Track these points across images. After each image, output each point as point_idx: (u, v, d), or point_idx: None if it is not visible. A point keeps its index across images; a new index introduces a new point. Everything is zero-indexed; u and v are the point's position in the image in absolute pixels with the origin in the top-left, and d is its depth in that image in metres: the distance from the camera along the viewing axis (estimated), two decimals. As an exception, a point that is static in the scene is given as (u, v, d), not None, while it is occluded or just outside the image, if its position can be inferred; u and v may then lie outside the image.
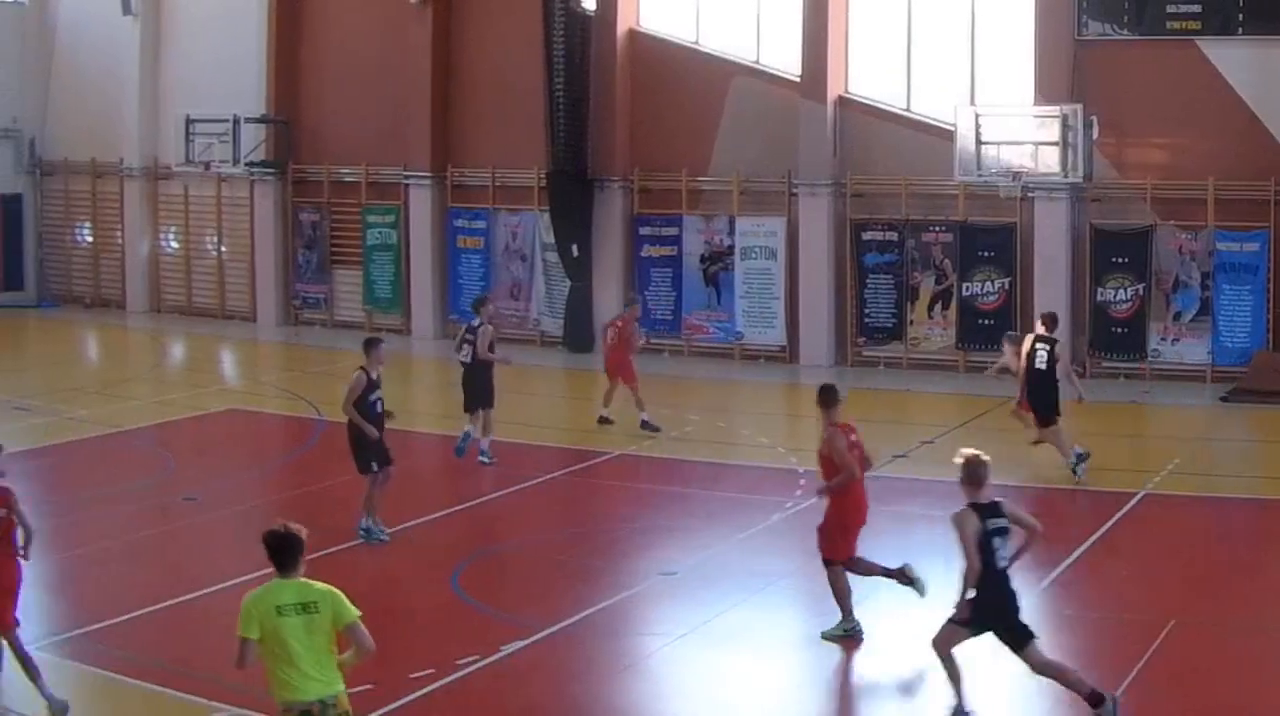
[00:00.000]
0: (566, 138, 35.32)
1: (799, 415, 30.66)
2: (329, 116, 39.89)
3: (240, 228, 41.70)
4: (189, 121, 39.78)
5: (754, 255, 34.19)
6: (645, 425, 26.67)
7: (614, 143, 35.59)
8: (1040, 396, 23.45)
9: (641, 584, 18.88)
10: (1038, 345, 23.45)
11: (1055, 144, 30.20)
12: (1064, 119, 30.06)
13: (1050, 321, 24.05)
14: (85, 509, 22.73)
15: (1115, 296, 31.01)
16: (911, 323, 32.95)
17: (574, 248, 35.54)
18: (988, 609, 13.58)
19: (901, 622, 16.84)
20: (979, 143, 30.84)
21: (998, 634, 13.64)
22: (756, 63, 34.53)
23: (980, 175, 31.11)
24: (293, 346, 38.50)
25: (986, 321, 31.94)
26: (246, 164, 39.47)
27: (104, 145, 43.49)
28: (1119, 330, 31.17)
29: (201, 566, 19.85)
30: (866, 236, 33.12)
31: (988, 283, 32.14)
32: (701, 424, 28.27)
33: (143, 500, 23.05)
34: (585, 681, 15.77)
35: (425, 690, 15.01)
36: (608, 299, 35.52)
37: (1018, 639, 13.52)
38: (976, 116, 31.04)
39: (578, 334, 35.71)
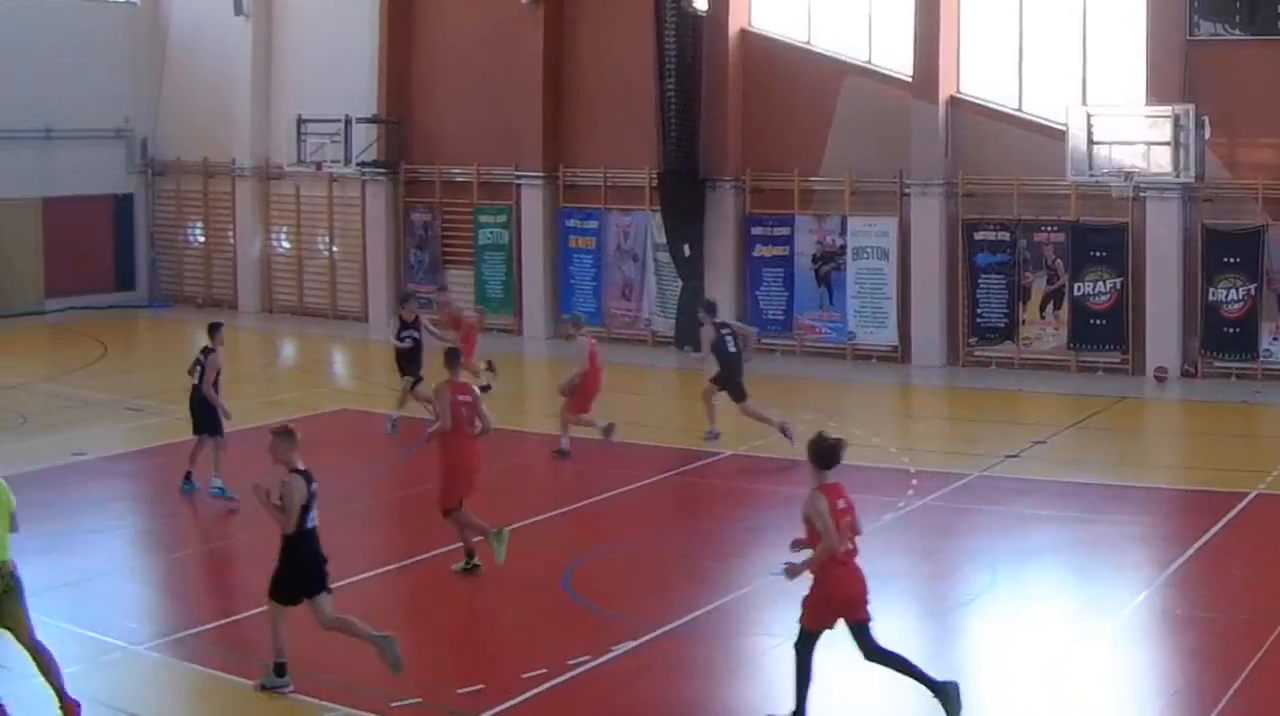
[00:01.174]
0: (678, 138, 36.35)
1: (911, 415, 31.93)
2: (441, 116, 41.36)
3: (352, 228, 43.28)
4: (300, 121, 41.22)
5: (866, 255, 35.15)
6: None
7: (726, 143, 36.64)
8: None
9: (752, 584, 19.24)
10: None
11: (1167, 144, 30.75)
12: (1175, 119, 30.64)
13: None
14: (200, 509, 23.72)
15: (1226, 296, 31.59)
16: (1023, 322, 33.68)
17: (686, 248, 36.63)
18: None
19: (1012, 622, 17.70)
20: (1090, 143, 31.48)
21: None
22: (868, 62, 35.47)
23: (1092, 175, 31.73)
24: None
25: (1098, 321, 32.81)
26: (358, 164, 40.90)
27: (216, 145, 45.28)
28: (1230, 330, 31.73)
29: None
30: (978, 236, 33.93)
31: (1099, 283, 32.80)
32: (813, 424, 28.02)
33: (253, 500, 23.88)
34: (695, 682, 16.11)
35: (536, 690, 15.43)
36: (720, 299, 35.45)
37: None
38: (1088, 116, 31.63)
39: (689, 334, 36.57)
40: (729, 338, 27.26)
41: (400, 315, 29.09)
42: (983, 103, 34.28)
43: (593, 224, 39.01)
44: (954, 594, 19.23)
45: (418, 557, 20.66)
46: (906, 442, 27.60)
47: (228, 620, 18.01)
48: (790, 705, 14.41)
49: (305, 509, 15.26)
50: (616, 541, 21.84)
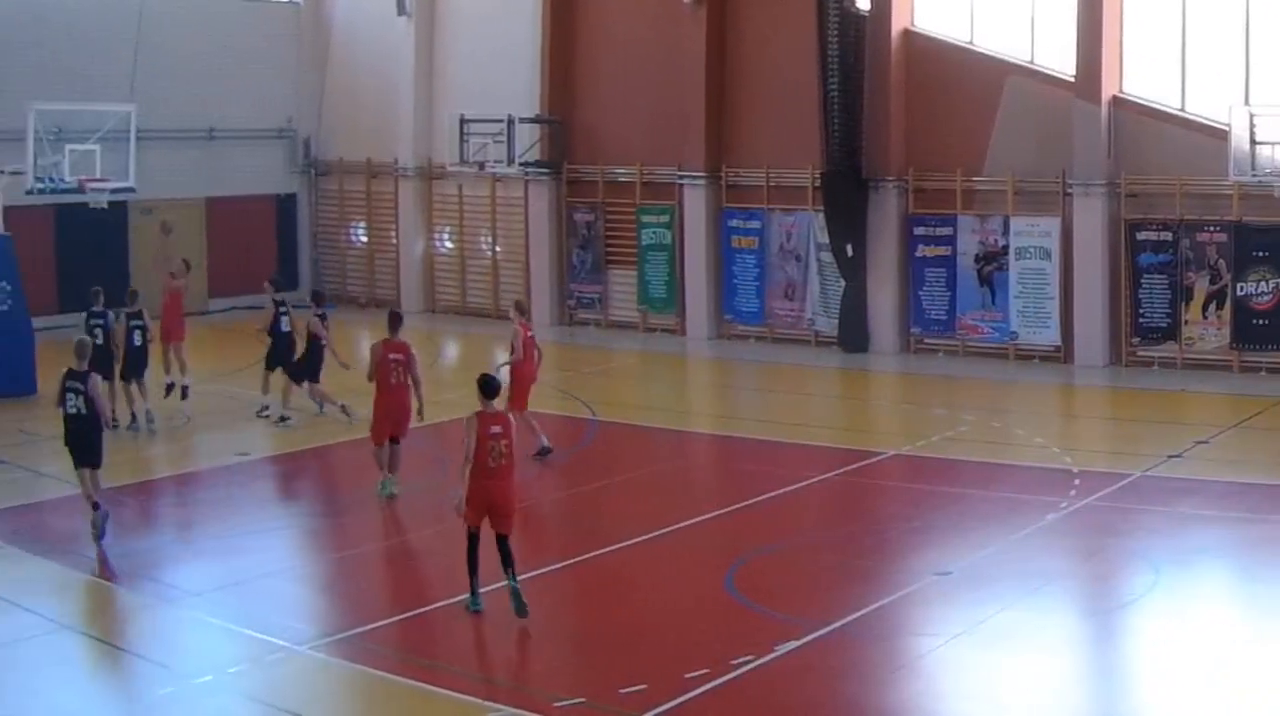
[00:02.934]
0: (841, 138, 38.03)
1: (1074, 415, 33.27)
2: (603, 116, 43.63)
3: (514, 228, 45.65)
4: (463, 121, 43.49)
5: (1028, 255, 36.62)
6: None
7: (888, 142, 38.32)
8: None
9: (915, 584, 20.08)
10: None
11: (1330, 144, 32.14)
12: (1339, 118, 32.00)
13: None
14: (359, 510, 25.01)
15: (1388, 294, 33.23)
16: (1186, 322, 34.93)
17: (848, 248, 38.35)
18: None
19: (1175, 622, 18.52)
20: (1253, 143, 32.70)
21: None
22: (1031, 62, 36.98)
23: (1255, 175, 32.94)
24: (567, 346, 40.99)
25: (1261, 322, 34.17)
26: (521, 164, 43.12)
27: (379, 145, 47.97)
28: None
29: None
30: (1141, 236, 35.25)
31: (1262, 283, 34.05)
32: (976, 424, 30.31)
33: (419, 500, 24.96)
34: (858, 682, 16.70)
35: (699, 690, 16.07)
36: (883, 299, 38.50)
37: None
38: (1251, 116, 32.81)
39: (852, 334, 38.61)
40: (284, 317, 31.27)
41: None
42: (1145, 103, 35.57)
43: (755, 224, 40.88)
44: (1117, 594, 20.06)
45: (581, 557, 21.75)
46: (1069, 443, 28.63)
47: (391, 620, 18.92)
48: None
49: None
50: (779, 541, 22.58)
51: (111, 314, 29.79)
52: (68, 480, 25.22)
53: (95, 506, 21.98)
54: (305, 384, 31.12)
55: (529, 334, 28.37)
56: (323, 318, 31.43)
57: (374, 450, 25.04)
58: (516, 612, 18.35)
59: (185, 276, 33.69)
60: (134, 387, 30.28)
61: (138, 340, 29.97)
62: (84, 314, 29.79)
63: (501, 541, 18.64)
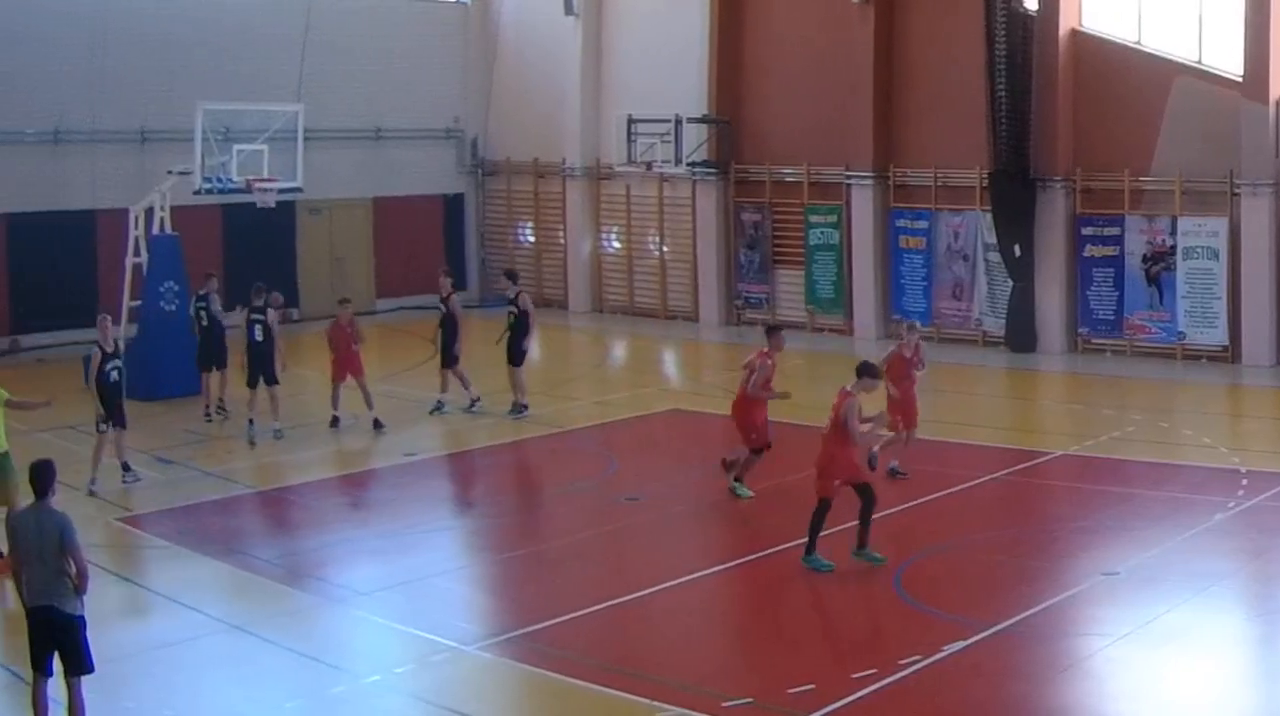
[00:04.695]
0: (1009, 138, 39.73)
1: (1242, 415, 34.42)
2: (770, 116, 45.76)
3: (682, 228, 47.94)
4: (631, 121, 45.76)
5: (1196, 255, 38.02)
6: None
7: (1056, 142, 39.87)
8: None
9: (1082, 584, 20.58)
10: None
11: None
12: None
13: None
14: (530, 509, 26.17)
15: None
16: None
17: (1016, 248, 40.11)
18: None
19: None
20: None
21: None
22: (1198, 62, 38.40)
23: None
24: (734, 346, 42.29)
25: None
26: (688, 164, 45.29)
27: (546, 145, 50.40)
28: None
29: (643, 566, 22.53)
30: None
31: None
32: (1144, 424, 31.39)
33: (585, 500, 26.08)
34: (1025, 682, 17.11)
35: (867, 690, 16.59)
36: (1051, 299, 40.18)
37: None
38: None
39: (1020, 334, 40.40)
40: None
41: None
42: (1313, 103, 37.08)
43: (923, 224, 42.82)
44: (1284, 595, 20.81)
45: (750, 557, 22.79)
46: (1237, 442, 29.76)
47: (557, 620, 19.48)
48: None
49: None
50: (947, 541, 23.31)
51: (272, 312, 31.39)
52: (234, 479, 27.72)
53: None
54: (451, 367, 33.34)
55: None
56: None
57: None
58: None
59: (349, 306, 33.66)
60: (260, 389, 31.26)
61: (258, 335, 31.07)
62: (245, 309, 31.56)
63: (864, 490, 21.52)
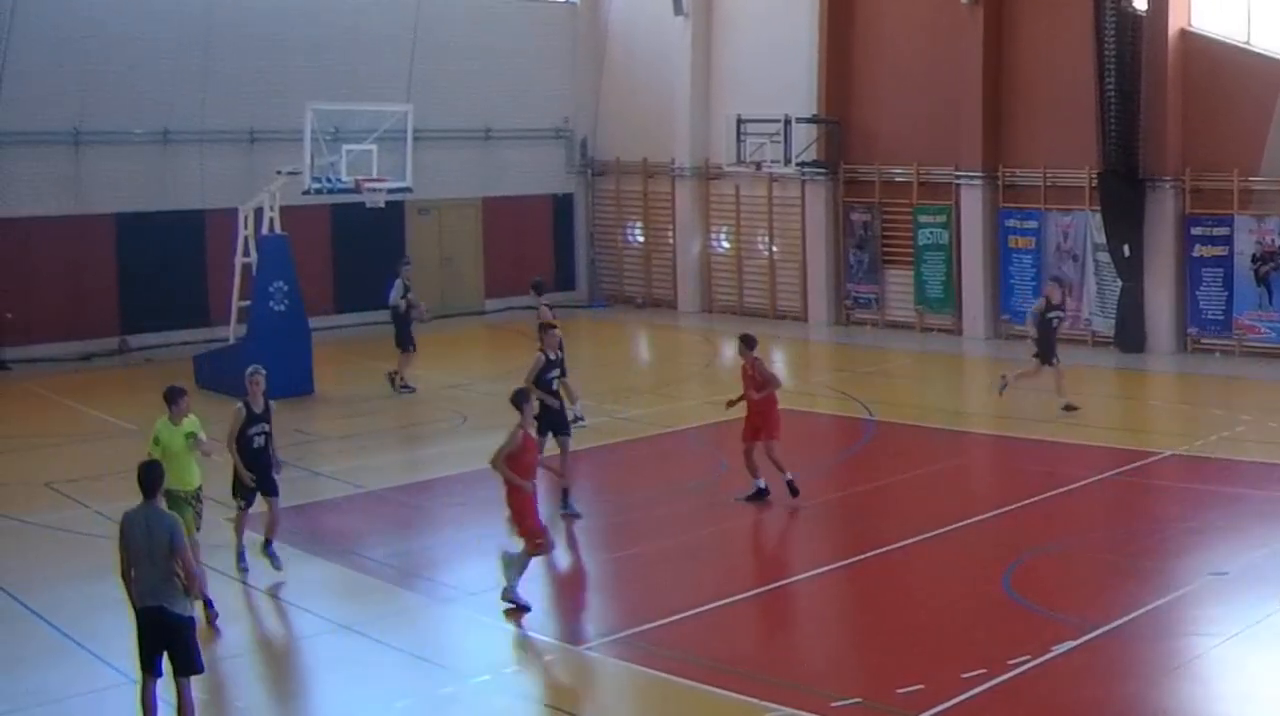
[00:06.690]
0: (1118, 138, 40.33)
1: None
2: (879, 116, 46.63)
3: (791, 228, 48.88)
4: (740, 121, 46.67)
5: None
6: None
7: (1165, 142, 40.26)
8: None
9: (1192, 584, 20.76)
10: None
11: None
12: None
13: None
14: (639, 509, 26.11)
15: None
16: None
17: (1125, 248, 40.77)
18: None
19: None
20: None
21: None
22: None
23: None
24: (843, 346, 43.88)
25: None
26: (798, 164, 46.23)
27: (655, 145, 51.45)
28: None
29: (753, 566, 23.32)
30: None
31: None
32: (1253, 424, 31.62)
33: (695, 500, 26.33)
34: (1134, 682, 17.20)
35: (976, 690, 16.75)
36: (1160, 299, 40.88)
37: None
38: None
39: (1129, 334, 41.14)
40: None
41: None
42: None
43: (1032, 224, 43.52)
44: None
45: (858, 557, 22.95)
46: None
47: (667, 620, 19.72)
48: None
49: None
50: (1056, 541, 23.43)
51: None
52: (346, 479, 28.27)
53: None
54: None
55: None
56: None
57: None
58: None
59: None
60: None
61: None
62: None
63: None
